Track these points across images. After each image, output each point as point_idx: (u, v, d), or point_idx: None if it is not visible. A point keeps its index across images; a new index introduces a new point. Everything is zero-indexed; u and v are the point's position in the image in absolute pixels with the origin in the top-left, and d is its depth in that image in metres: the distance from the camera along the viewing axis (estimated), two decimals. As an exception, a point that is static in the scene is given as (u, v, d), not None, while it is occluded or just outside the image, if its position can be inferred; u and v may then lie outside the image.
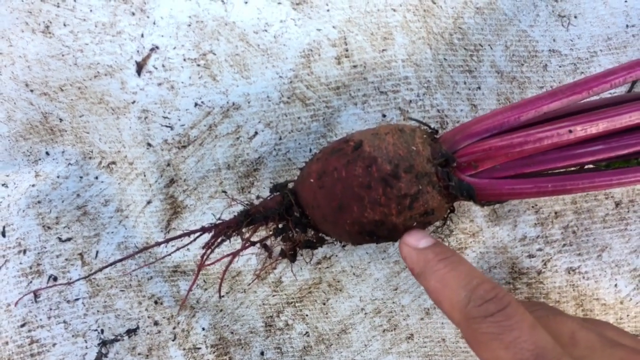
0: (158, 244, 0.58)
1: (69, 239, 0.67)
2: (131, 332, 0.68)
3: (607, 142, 0.48)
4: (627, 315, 0.66)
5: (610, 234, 0.65)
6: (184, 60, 0.64)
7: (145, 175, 0.66)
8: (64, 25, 0.64)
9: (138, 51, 0.64)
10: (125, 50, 0.64)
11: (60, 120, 0.66)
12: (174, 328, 0.68)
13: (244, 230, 0.55)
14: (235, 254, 0.56)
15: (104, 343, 0.67)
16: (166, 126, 0.65)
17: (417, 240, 0.49)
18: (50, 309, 0.66)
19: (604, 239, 0.65)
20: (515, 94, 0.65)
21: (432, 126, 0.57)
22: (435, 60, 0.64)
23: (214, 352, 0.68)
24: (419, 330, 0.68)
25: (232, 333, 0.69)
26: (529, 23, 0.65)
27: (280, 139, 0.66)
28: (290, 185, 0.56)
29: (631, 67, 0.48)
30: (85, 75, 0.65)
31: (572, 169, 0.51)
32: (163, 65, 0.64)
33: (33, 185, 0.65)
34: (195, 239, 0.56)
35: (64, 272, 0.66)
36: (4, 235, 0.65)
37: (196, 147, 0.66)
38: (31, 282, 0.66)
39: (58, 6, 0.64)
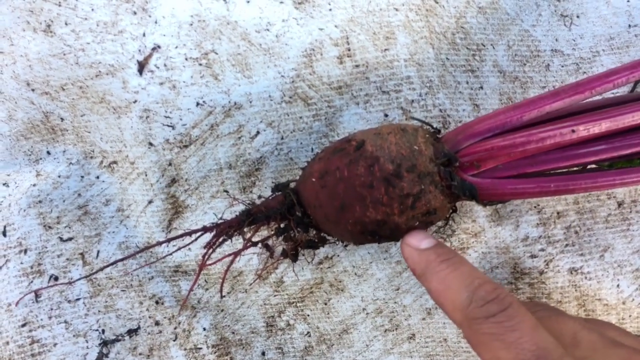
0: (159, 243, 0.58)
1: (70, 239, 0.66)
2: (132, 332, 0.68)
3: (610, 142, 0.48)
4: (630, 316, 0.66)
5: (612, 234, 0.65)
6: (186, 59, 0.64)
7: (146, 175, 0.66)
8: (66, 24, 0.64)
9: (140, 50, 0.64)
10: (126, 49, 0.64)
11: (62, 119, 0.66)
12: (175, 328, 0.68)
13: (245, 230, 0.55)
14: (236, 254, 0.55)
15: (105, 343, 0.67)
16: (168, 126, 0.65)
17: (419, 240, 0.49)
18: (51, 309, 0.66)
19: (606, 239, 0.65)
20: (517, 93, 0.65)
21: (435, 126, 0.56)
22: (437, 60, 0.64)
23: (215, 353, 0.68)
24: (421, 330, 0.68)
25: (233, 333, 0.68)
26: (531, 23, 0.65)
27: (282, 138, 0.66)
28: (292, 184, 0.56)
29: (634, 67, 0.48)
30: (87, 75, 0.65)
31: (575, 169, 0.51)
32: (165, 65, 0.64)
33: (34, 185, 0.65)
34: (196, 239, 0.56)
35: (65, 272, 0.66)
36: (4, 235, 0.65)
37: (198, 146, 0.66)
38: (32, 281, 0.66)
39: (59, 5, 0.64)
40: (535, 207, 0.65)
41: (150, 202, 0.66)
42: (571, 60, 0.65)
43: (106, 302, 0.67)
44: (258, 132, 0.66)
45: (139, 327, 0.68)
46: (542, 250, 0.65)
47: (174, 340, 0.68)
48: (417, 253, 0.48)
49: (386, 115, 0.65)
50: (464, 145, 0.50)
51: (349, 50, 0.64)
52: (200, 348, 0.68)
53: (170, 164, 0.66)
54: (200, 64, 0.64)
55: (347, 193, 0.49)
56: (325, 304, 0.68)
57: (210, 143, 0.66)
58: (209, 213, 0.67)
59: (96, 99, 0.65)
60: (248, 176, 0.66)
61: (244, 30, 0.64)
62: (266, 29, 0.64)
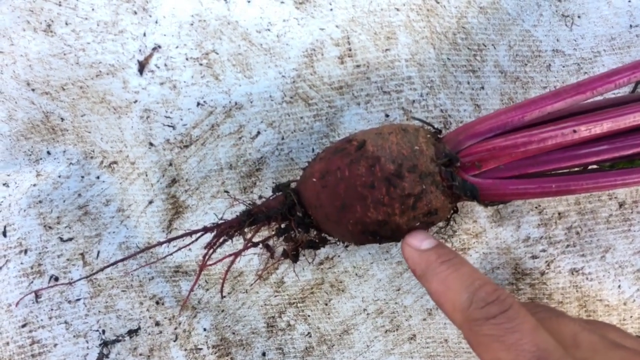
0: (159, 243, 0.58)
1: (70, 239, 0.66)
2: (132, 332, 0.68)
3: (612, 143, 0.48)
4: (631, 317, 0.66)
5: (613, 235, 0.65)
6: (186, 59, 0.64)
7: (147, 175, 0.66)
8: (66, 24, 0.64)
9: (140, 50, 0.64)
10: (127, 49, 0.64)
11: (62, 119, 0.66)
12: (175, 328, 0.68)
13: (246, 230, 0.55)
14: (237, 254, 0.55)
15: (105, 343, 0.67)
16: (168, 126, 0.65)
17: (419, 241, 0.49)
18: (52, 309, 0.66)
19: (607, 240, 0.65)
20: (518, 93, 0.65)
21: (436, 126, 0.56)
22: (438, 60, 0.64)
23: (215, 353, 0.68)
24: (422, 331, 0.68)
25: (233, 334, 0.68)
26: (532, 23, 0.65)
27: (282, 138, 0.65)
28: (293, 185, 0.56)
29: (635, 67, 0.48)
30: (87, 75, 0.65)
31: (576, 169, 0.51)
32: (165, 65, 0.64)
33: (34, 185, 0.65)
34: (197, 239, 0.56)
35: (65, 272, 0.66)
36: (5, 235, 0.65)
37: (198, 146, 0.66)
38: (32, 282, 0.66)
39: (60, 5, 0.64)
40: (536, 207, 0.65)
41: (150, 202, 0.66)
42: (572, 60, 0.65)
43: (106, 302, 0.67)
44: (259, 132, 0.65)
45: (139, 328, 0.68)
46: (543, 250, 0.65)
47: (175, 341, 0.68)
48: (417, 253, 0.48)
49: (387, 116, 0.65)
50: (465, 145, 0.50)
51: (350, 50, 0.64)
52: (201, 348, 0.68)
53: (170, 164, 0.66)
54: (201, 64, 0.64)
55: (348, 193, 0.49)
56: (326, 304, 0.68)
57: (210, 143, 0.66)
58: (210, 213, 0.67)
59: (96, 99, 0.65)
60: (249, 176, 0.66)
61: (245, 30, 0.64)
62: (267, 29, 0.64)
